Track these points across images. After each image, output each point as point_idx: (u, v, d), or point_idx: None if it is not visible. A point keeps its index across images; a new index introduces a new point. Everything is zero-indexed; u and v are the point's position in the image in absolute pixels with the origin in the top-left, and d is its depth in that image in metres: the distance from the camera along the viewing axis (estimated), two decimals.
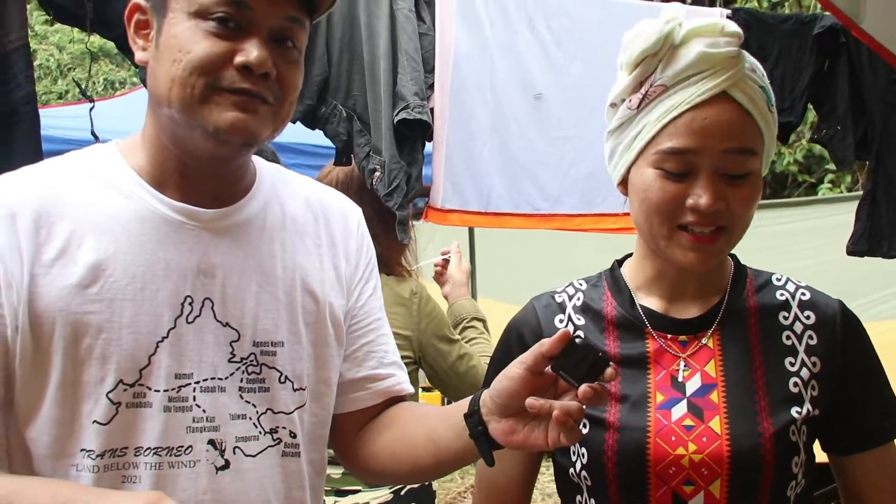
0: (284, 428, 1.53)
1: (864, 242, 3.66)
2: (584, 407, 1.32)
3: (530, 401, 1.33)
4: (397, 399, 1.72)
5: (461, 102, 3.51)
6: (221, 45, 1.38)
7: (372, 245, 1.76)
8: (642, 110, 1.52)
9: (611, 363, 1.32)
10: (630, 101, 1.54)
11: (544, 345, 1.34)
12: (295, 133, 4.61)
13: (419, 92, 3.38)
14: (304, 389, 1.55)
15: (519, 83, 3.65)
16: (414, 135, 3.43)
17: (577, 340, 1.35)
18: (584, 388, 1.30)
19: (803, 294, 1.63)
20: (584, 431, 1.57)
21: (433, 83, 3.48)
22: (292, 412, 1.54)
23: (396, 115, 3.35)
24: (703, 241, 1.50)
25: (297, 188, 1.68)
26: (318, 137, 3.78)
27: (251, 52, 1.38)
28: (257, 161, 1.64)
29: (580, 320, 1.66)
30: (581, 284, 1.72)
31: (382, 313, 1.74)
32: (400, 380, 1.73)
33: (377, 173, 3.34)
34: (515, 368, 1.36)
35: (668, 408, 1.54)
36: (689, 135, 1.47)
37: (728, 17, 3.62)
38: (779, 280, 1.67)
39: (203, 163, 1.47)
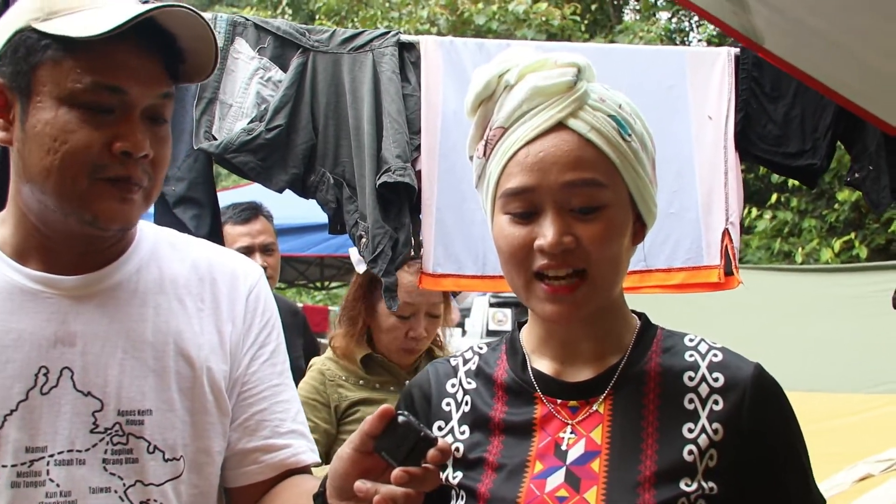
0: (156, 501, 1.47)
1: None
2: (413, 492, 1.24)
3: (357, 484, 1.26)
4: (295, 471, 1.64)
5: (451, 164, 3.40)
6: (98, 133, 1.38)
7: (272, 308, 1.69)
8: (489, 157, 1.44)
9: (437, 444, 1.25)
10: (478, 150, 1.47)
11: (366, 423, 1.27)
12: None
13: (402, 154, 3.29)
14: (177, 460, 1.49)
15: None
16: (399, 199, 3.34)
17: (400, 419, 1.28)
18: (396, 472, 1.23)
19: (715, 355, 1.47)
20: None
21: (419, 145, 3.37)
22: (163, 484, 1.47)
23: (378, 178, 3.26)
24: (560, 290, 1.39)
25: (187, 252, 1.64)
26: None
27: (129, 137, 1.39)
28: (140, 224, 1.62)
29: (471, 384, 1.56)
30: (481, 349, 1.63)
31: (283, 379, 1.67)
32: (297, 450, 1.64)
33: (363, 240, 3.26)
34: (346, 448, 1.30)
35: (545, 477, 1.42)
36: (524, 172, 1.38)
37: (737, 56, 3.38)
38: (691, 341, 1.51)
39: (70, 240, 1.46)
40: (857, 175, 3.27)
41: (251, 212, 3.71)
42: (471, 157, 1.52)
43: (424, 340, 3.01)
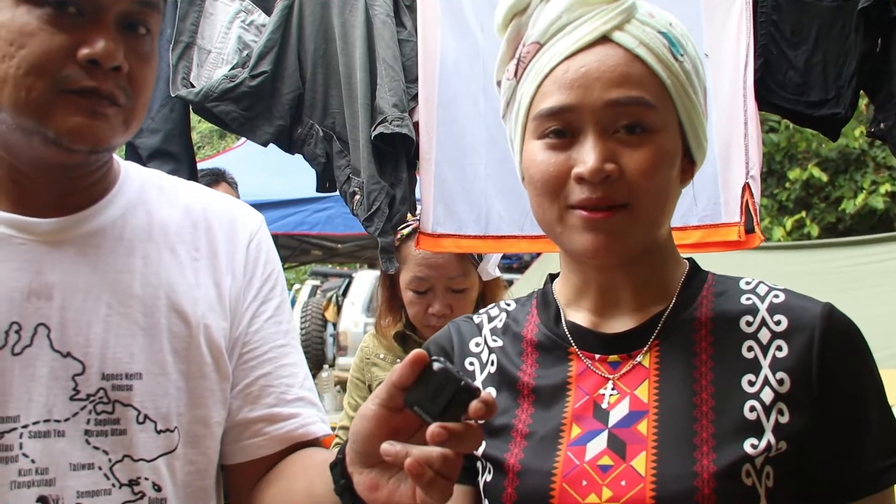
0: (147, 479, 1.30)
1: None
2: (452, 453, 1.04)
3: (384, 447, 1.07)
4: (303, 444, 1.46)
5: (452, 115, 3.16)
6: (61, 36, 1.21)
7: (275, 259, 1.51)
8: (520, 77, 1.30)
9: (480, 394, 1.05)
10: (507, 70, 1.33)
11: (395, 373, 1.08)
12: None
13: (398, 103, 3.05)
14: (171, 431, 1.33)
15: None
16: (396, 152, 3.11)
17: (436, 366, 1.07)
18: (432, 428, 1.03)
19: (776, 296, 1.31)
20: (488, 479, 1.31)
21: (417, 94, 3.13)
22: (155, 459, 1.32)
23: (374, 129, 3.02)
24: (598, 216, 1.22)
25: (177, 195, 1.46)
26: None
27: (98, 42, 1.22)
28: (124, 164, 1.45)
29: (497, 342, 1.42)
30: (509, 305, 1.49)
31: (289, 339, 1.50)
32: (305, 420, 1.47)
33: (357, 196, 3.01)
34: (370, 405, 1.11)
35: (584, 443, 1.26)
36: (563, 89, 1.23)
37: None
38: (748, 284, 1.36)
39: (41, 171, 1.30)
40: (881, 125, 3.08)
41: (213, 178, 3.50)
42: (498, 83, 1.37)
43: (449, 317, 2.73)
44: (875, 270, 6.09)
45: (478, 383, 1.38)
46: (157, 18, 1.33)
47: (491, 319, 1.46)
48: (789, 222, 10.58)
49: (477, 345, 1.43)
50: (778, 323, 1.27)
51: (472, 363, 1.40)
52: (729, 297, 1.33)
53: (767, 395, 1.23)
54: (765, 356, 1.25)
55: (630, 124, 1.22)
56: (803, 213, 10.73)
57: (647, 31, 1.24)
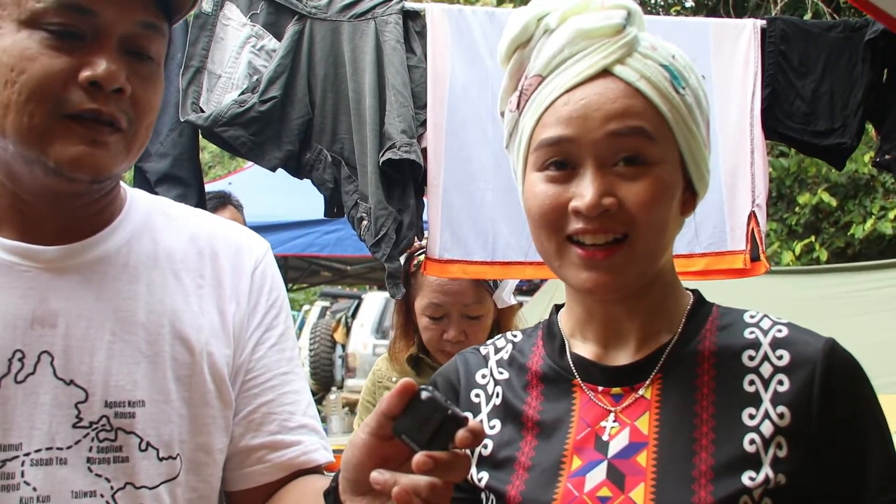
0: None
1: None
2: (440, 482, 1.04)
3: (374, 475, 1.06)
4: (305, 472, 1.45)
5: (459, 141, 3.18)
6: (63, 59, 1.20)
7: (280, 287, 1.50)
8: (522, 109, 1.28)
9: (467, 423, 1.05)
10: (510, 102, 1.32)
11: (383, 401, 1.08)
12: None
13: (407, 129, 3.06)
14: (173, 458, 1.32)
15: None
16: (404, 178, 3.13)
17: (424, 395, 1.08)
18: (418, 457, 1.04)
19: (779, 331, 1.29)
20: None
21: (425, 120, 3.14)
22: (157, 486, 1.30)
23: (382, 155, 3.03)
24: (597, 255, 1.22)
25: (183, 222, 1.45)
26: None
27: (99, 64, 1.20)
28: (131, 191, 1.44)
29: (503, 374, 1.40)
30: (515, 336, 1.47)
31: (292, 367, 1.49)
32: (307, 448, 1.45)
33: (364, 222, 3.02)
34: (360, 433, 1.11)
35: (583, 474, 1.25)
36: (563, 122, 1.22)
37: (763, 28, 3.20)
38: (752, 317, 1.33)
39: (44, 199, 1.29)
40: (887, 156, 3.09)
41: (219, 200, 3.50)
42: (502, 114, 1.35)
43: (464, 343, 2.71)
44: (884, 296, 6.06)
45: (483, 415, 1.37)
46: (161, 42, 1.31)
47: (497, 351, 1.44)
48: (798, 247, 10.54)
49: (483, 377, 1.42)
50: (780, 357, 1.26)
51: (477, 395, 1.39)
52: (733, 331, 1.31)
53: (767, 429, 1.21)
54: (766, 390, 1.24)
55: (629, 157, 1.20)
56: (812, 238, 10.69)
57: (648, 65, 1.23)
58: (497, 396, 1.38)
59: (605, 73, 1.22)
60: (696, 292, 1.39)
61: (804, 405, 1.22)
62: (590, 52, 1.23)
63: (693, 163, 1.27)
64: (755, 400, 1.23)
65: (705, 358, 1.29)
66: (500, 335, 1.49)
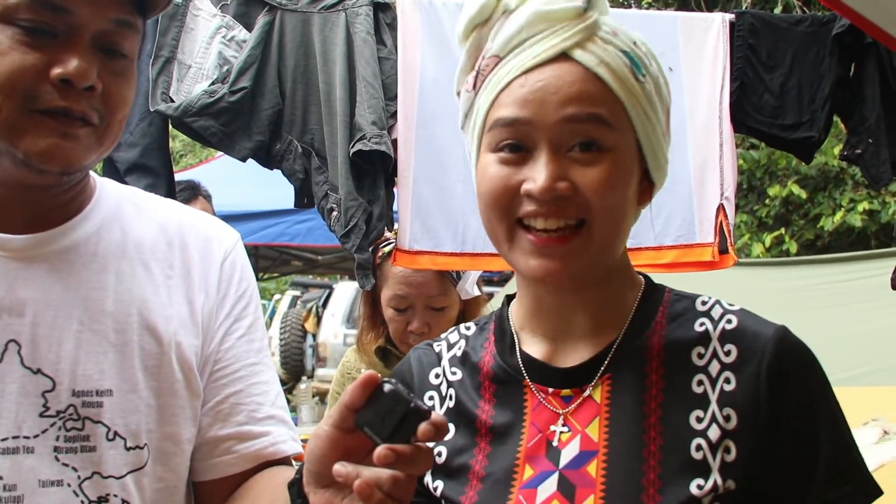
0: (116, 496, 1.30)
1: None
2: (402, 475, 1.05)
3: (336, 467, 1.07)
4: (273, 462, 1.46)
5: (430, 133, 3.18)
6: (34, 55, 1.21)
7: (249, 277, 1.50)
8: (478, 90, 1.26)
9: (430, 416, 1.05)
10: (466, 82, 1.29)
11: (346, 394, 1.08)
12: None
13: (377, 121, 3.06)
14: (141, 448, 1.33)
15: None
16: (374, 169, 3.12)
17: (386, 388, 1.08)
18: (379, 450, 1.04)
19: (728, 322, 1.26)
20: None
21: (396, 111, 3.14)
22: (124, 476, 1.31)
23: (352, 146, 3.02)
24: (549, 242, 1.19)
25: (153, 212, 1.45)
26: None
27: (70, 62, 1.21)
28: (101, 180, 1.44)
29: (455, 375, 1.38)
30: (469, 329, 1.44)
31: (261, 357, 1.49)
32: (276, 439, 1.46)
33: (334, 213, 3.02)
34: (323, 425, 1.11)
35: (535, 486, 1.23)
36: (518, 103, 1.20)
37: (732, 21, 3.22)
38: (704, 304, 1.30)
39: (14, 190, 1.29)
40: (856, 150, 3.13)
41: (189, 192, 3.48)
42: (458, 94, 1.32)
43: (427, 335, 2.72)
44: (853, 288, 6.10)
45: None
46: (135, 38, 1.32)
47: (450, 347, 1.42)
48: (768, 239, 10.59)
49: (437, 376, 1.39)
50: (728, 353, 1.23)
51: (431, 397, 1.38)
52: (683, 323, 1.28)
53: (714, 433, 1.19)
54: (713, 390, 1.21)
55: (585, 142, 1.18)
56: (782, 230, 10.75)
57: (608, 50, 1.20)
58: (451, 399, 1.36)
59: (564, 56, 1.19)
60: (647, 278, 1.36)
61: (752, 399, 1.19)
62: (549, 34, 1.20)
63: (650, 151, 1.25)
64: (703, 402, 1.21)
65: (654, 355, 1.26)
66: (454, 329, 1.46)
